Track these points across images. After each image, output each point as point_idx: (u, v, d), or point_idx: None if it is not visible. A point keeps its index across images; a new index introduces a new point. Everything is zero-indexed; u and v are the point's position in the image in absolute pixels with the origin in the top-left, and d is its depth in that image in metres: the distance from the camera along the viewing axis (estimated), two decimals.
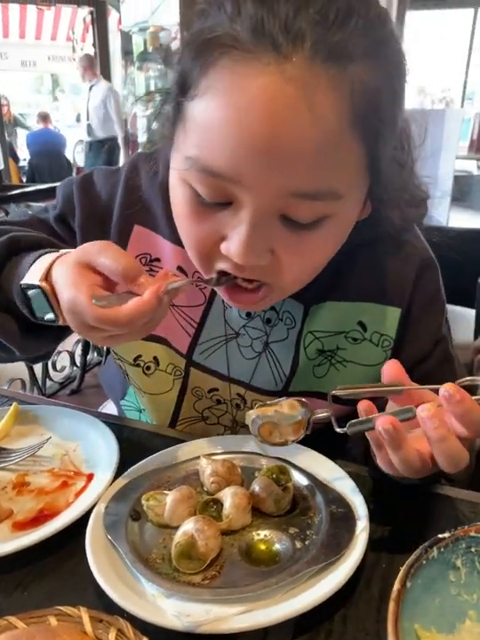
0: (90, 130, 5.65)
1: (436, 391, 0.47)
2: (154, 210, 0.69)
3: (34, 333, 0.62)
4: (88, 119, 5.62)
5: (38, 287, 0.55)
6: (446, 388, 0.45)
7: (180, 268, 0.69)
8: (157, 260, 0.70)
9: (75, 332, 0.56)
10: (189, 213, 0.54)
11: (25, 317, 0.60)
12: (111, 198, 0.71)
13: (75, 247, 0.65)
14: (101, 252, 0.52)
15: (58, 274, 0.55)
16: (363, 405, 0.50)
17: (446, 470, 0.47)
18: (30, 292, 0.57)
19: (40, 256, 0.59)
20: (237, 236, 0.50)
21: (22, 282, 0.57)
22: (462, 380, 0.48)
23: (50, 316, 0.57)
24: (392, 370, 0.50)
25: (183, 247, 0.61)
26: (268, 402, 0.54)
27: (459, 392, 0.45)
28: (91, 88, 5.51)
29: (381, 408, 0.54)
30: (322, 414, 0.53)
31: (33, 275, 0.57)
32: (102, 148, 5.62)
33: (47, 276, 0.56)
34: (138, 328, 0.52)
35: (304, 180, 0.47)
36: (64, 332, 0.64)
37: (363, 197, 0.54)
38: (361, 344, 0.68)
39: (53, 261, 0.56)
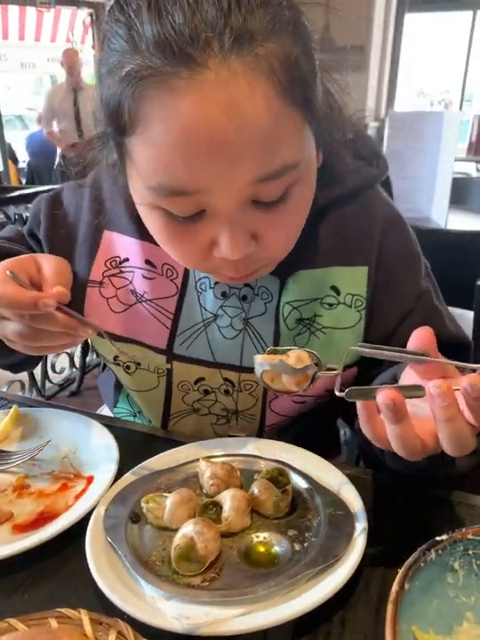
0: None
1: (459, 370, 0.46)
2: (118, 213, 0.71)
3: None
4: (80, 128, 5.03)
5: None
6: (470, 381, 0.42)
7: (148, 262, 0.71)
8: (126, 259, 0.72)
9: None
10: (171, 236, 0.56)
11: None
12: (78, 212, 0.75)
13: None
14: (51, 259, 0.61)
15: (2, 263, 0.60)
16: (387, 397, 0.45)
17: (450, 453, 0.45)
18: None
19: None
20: (223, 237, 0.53)
21: None
22: None
23: None
24: (421, 338, 0.46)
25: (150, 242, 0.67)
26: (279, 348, 0.53)
27: None
28: (75, 93, 5.00)
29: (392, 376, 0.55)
30: (334, 372, 0.50)
31: None
32: None
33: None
34: (21, 329, 0.56)
35: (262, 166, 0.49)
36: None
37: (314, 151, 0.56)
38: (336, 308, 0.69)
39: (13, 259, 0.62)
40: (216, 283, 0.69)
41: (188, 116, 0.45)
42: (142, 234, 0.69)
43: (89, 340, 1.20)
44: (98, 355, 2.79)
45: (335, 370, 0.50)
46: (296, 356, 0.51)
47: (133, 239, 0.71)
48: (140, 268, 0.71)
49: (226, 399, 0.75)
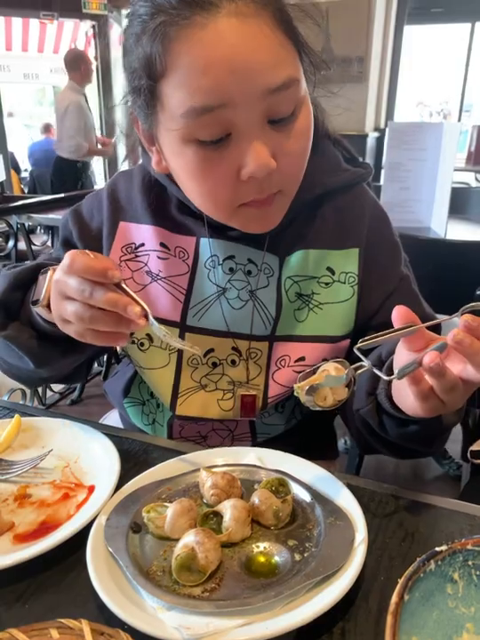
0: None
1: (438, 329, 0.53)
2: (134, 204, 0.80)
3: (44, 343, 0.72)
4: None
5: (46, 272, 0.66)
6: (465, 319, 0.49)
7: (162, 244, 0.79)
8: (142, 244, 0.80)
9: (54, 309, 0.63)
10: (202, 166, 0.62)
11: (39, 330, 0.71)
12: (99, 214, 0.83)
13: None
14: (93, 251, 0.62)
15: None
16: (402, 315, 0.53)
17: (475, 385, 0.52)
18: (39, 277, 0.69)
19: None
20: (250, 154, 0.60)
21: (41, 273, 0.69)
22: (468, 307, 0.51)
23: (38, 296, 0.67)
24: (402, 313, 0.53)
25: (164, 228, 0.78)
26: (308, 372, 0.57)
27: (476, 320, 0.49)
28: (85, 99, 4.89)
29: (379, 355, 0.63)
30: (364, 369, 0.55)
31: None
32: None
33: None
34: (79, 306, 0.59)
35: (272, 78, 0.58)
36: (69, 347, 0.72)
37: (306, 87, 0.65)
38: (332, 286, 0.78)
39: None
40: (224, 259, 0.77)
41: (208, 42, 0.56)
42: (156, 220, 0.79)
43: None
44: (99, 363, 2.80)
45: (365, 366, 0.55)
46: (334, 368, 0.56)
47: (148, 226, 0.79)
48: (154, 251, 0.79)
49: (232, 370, 0.80)
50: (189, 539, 0.52)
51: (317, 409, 0.56)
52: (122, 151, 0.83)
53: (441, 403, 0.53)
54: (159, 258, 0.79)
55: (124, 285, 0.59)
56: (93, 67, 5.03)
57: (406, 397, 0.56)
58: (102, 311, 0.58)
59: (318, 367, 0.57)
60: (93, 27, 6.67)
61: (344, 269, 0.77)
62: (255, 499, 0.58)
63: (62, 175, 4.94)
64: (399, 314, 0.53)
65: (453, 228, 2.12)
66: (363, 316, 0.77)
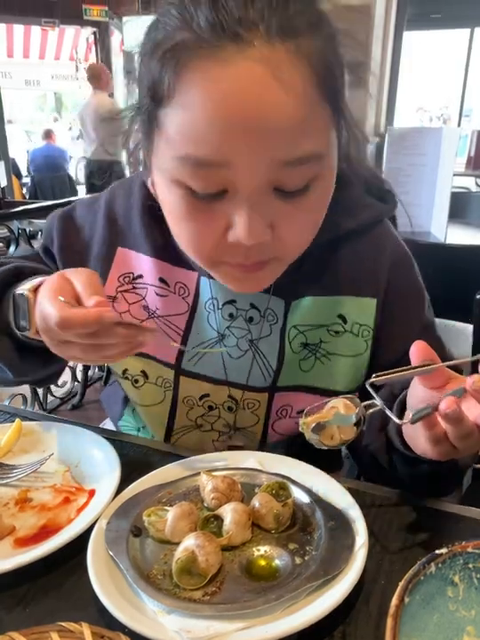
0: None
1: (460, 371, 0.51)
2: (134, 230, 0.73)
3: (25, 354, 0.67)
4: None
5: (25, 295, 0.61)
6: None
7: (161, 280, 0.73)
8: (140, 276, 0.74)
9: (50, 347, 0.59)
10: (187, 213, 0.56)
11: (18, 339, 0.66)
12: (92, 228, 0.76)
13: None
14: (79, 273, 0.58)
15: (42, 287, 0.60)
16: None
17: None
18: (17, 300, 0.63)
19: (35, 277, 0.65)
20: (240, 219, 0.53)
21: (16, 291, 0.63)
22: None
23: (23, 323, 0.62)
24: (421, 349, 0.50)
25: (164, 260, 0.71)
26: (315, 406, 0.55)
27: None
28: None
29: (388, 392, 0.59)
30: (375, 408, 0.53)
31: (25, 286, 0.62)
32: None
33: (36, 290, 0.61)
34: (84, 346, 0.55)
35: (290, 149, 0.50)
36: (51, 357, 0.64)
37: (336, 157, 0.58)
38: (343, 336, 0.71)
39: (45, 279, 0.61)
40: (224, 304, 0.71)
41: (228, 85, 0.48)
42: (155, 251, 0.72)
43: None
44: (100, 368, 2.81)
45: (376, 405, 0.52)
46: (343, 405, 0.53)
47: (147, 257, 0.73)
48: (153, 286, 0.73)
49: (229, 416, 0.76)
50: (190, 542, 0.52)
51: (323, 448, 0.54)
52: None
53: (454, 448, 0.50)
54: (157, 294, 0.73)
55: (118, 318, 0.56)
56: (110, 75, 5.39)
57: (418, 438, 0.54)
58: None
59: (327, 402, 0.55)
60: (94, 33, 6.71)
61: (358, 320, 0.70)
62: (256, 502, 0.58)
63: (102, 174, 5.20)
64: (417, 350, 0.50)
65: (454, 232, 2.12)
66: (377, 370, 0.62)
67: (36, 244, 3.01)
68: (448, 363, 0.51)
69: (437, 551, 0.45)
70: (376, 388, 0.52)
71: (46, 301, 0.55)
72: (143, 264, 0.73)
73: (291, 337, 0.71)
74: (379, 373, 0.52)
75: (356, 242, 0.70)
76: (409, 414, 0.50)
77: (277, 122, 0.48)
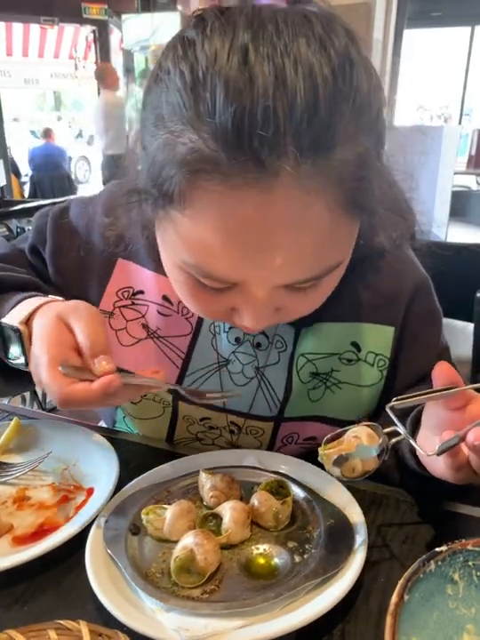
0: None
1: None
2: (134, 241, 0.65)
3: (7, 376, 0.62)
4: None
5: (17, 330, 0.55)
6: None
7: (165, 298, 0.68)
8: (141, 292, 0.69)
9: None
10: (194, 298, 0.53)
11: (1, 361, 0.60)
12: (89, 233, 0.69)
13: (49, 276, 0.69)
14: (80, 319, 0.53)
15: (37, 323, 0.55)
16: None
17: None
18: (8, 333, 0.57)
19: (25, 298, 0.59)
20: (247, 312, 0.51)
21: (3, 320, 0.57)
22: None
23: (20, 360, 0.57)
24: (444, 372, 0.48)
25: (167, 276, 0.61)
26: (335, 434, 0.52)
27: None
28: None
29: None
30: (399, 437, 0.50)
31: (14, 315, 0.57)
32: None
33: (28, 321, 0.56)
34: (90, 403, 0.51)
35: (306, 272, 0.48)
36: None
37: (354, 241, 0.53)
38: (356, 365, 0.68)
39: (38, 307, 0.57)
40: (231, 327, 0.68)
41: (245, 217, 0.43)
42: (159, 267, 0.62)
43: None
44: None
45: (399, 434, 0.50)
46: (367, 435, 0.50)
47: (150, 271, 0.68)
48: (155, 303, 0.69)
49: (230, 436, 0.74)
50: (188, 540, 0.51)
51: (344, 480, 0.52)
52: None
53: (475, 475, 0.49)
54: (160, 313, 0.68)
55: (126, 377, 0.52)
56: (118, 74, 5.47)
57: (437, 464, 0.52)
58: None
59: (347, 429, 0.52)
60: (93, 32, 6.71)
61: (373, 349, 0.67)
62: (255, 500, 0.58)
63: (112, 168, 5.34)
64: (441, 372, 0.48)
65: (454, 230, 2.12)
66: (390, 396, 0.56)
67: None
68: (472, 386, 0.49)
69: (437, 549, 0.45)
70: (395, 411, 0.50)
71: (43, 366, 0.50)
72: (145, 279, 0.68)
73: (299, 366, 0.68)
74: (399, 397, 0.50)
75: (372, 267, 0.66)
76: (436, 447, 0.47)
77: (297, 252, 0.45)
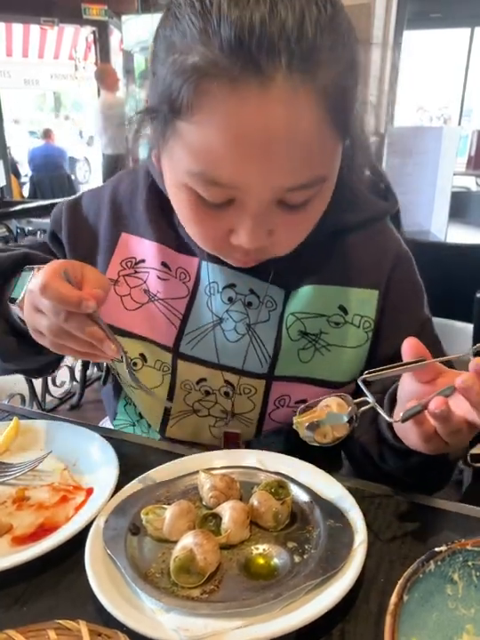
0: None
1: (451, 365, 0.52)
2: (137, 216, 0.76)
3: (18, 340, 0.70)
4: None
5: (32, 269, 0.65)
6: (477, 362, 0.47)
7: (163, 264, 0.75)
8: (142, 260, 0.76)
9: (27, 318, 0.62)
10: (194, 215, 0.60)
11: (13, 324, 0.69)
12: (97, 215, 0.79)
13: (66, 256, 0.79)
14: (95, 270, 0.61)
15: (53, 261, 0.61)
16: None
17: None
18: (22, 274, 0.67)
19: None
20: (244, 228, 0.57)
21: (25, 269, 0.67)
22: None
23: (16, 293, 0.65)
24: (413, 346, 0.52)
25: (167, 246, 0.74)
26: (309, 405, 0.56)
27: None
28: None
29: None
30: (367, 405, 0.54)
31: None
32: None
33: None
34: (51, 323, 0.57)
35: (298, 176, 0.54)
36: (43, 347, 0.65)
37: (338, 166, 0.60)
38: (343, 327, 0.72)
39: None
40: (224, 287, 0.73)
41: (248, 120, 0.50)
42: (159, 236, 0.75)
43: None
44: (100, 368, 2.81)
45: (368, 403, 0.53)
46: (336, 404, 0.55)
47: (151, 242, 0.75)
48: (155, 269, 0.75)
49: (225, 401, 0.76)
50: (188, 540, 0.51)
51: (315, 445, 0.55)
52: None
53: (445, 443, 0.52)
54: (159, 278, 0.75)
55: (98, 317, 0.57)
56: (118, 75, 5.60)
57: (409, 434, 0.55)
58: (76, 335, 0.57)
59: (320, 400, 0.56)
60: (93, 33, 6.71)
61: (359, 312, 0.72)
62: (254, 500, 0.58)
63: (118, 169, 5.33)
64: (409, 346, 0.51)
65: (454, 231, 2.13)
66: (375, 363, 0.62)
67: None
68: (439, 359, 0.52)
69: (436, 549, 0.45)
70: (368, 383, 0.53)
71: (47, 267, 0.57)
72: (146, 249, 0.76)
73: (288, 324, 0.72)
74: (371, 370, 0.53)
75: (358, 235, 0.72)
76: (399, 413, 0.51)
77: (290, 154, 0.52)
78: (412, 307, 0.74)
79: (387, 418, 0.52)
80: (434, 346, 0.70)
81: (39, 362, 0.78)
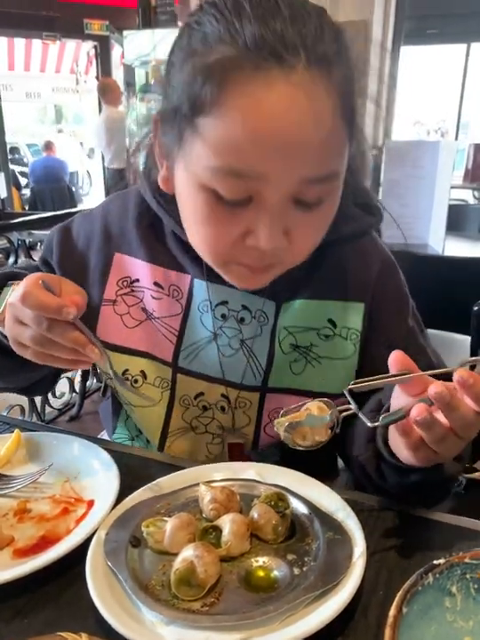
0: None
1: (442, 377, 0.52)
2: (129, 237, 0.77)
3: (2, 355, 0.70)
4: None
5: (10, 285, 0.66)
6: (460, 374, 0.48)
7: (156, 284, 0.77)
8: (137, 280, 0.78)
9: (8, 331, 0.63)
10: (210, 216, 0.60)
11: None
12: (89, 238, 0.80)
13: None
14: (74, 285, 0.65)
15: (32, 274, 0.64)
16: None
17: (465, 436, 0.51)
18: (3, 290, 0.67)
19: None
20: (263, 226, 0.58)
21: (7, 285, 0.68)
22: (468, 361, 0.52)
23: None
24: (398, 359, 0.53)
25: (158, 265, 0.75)
26: (293, 407, 0.57)
27: (471, 376, 0.48)
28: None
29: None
30: (349, 412, 0.55)
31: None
32: None
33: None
34: (34, 334, 0.60)
35: (316, 168, 0.56)
36: (29, 362, 0.66)
37: (343, 171, 0.62)
38: (333, 340, 0.74)
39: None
40: (217, 305, 0.74)
41: (270, 106, 0.52)
42: (150, 256, 0.76)
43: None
44: (99, 380, 2.80)
45: (350, 409, 0.55)
46: (317, 407, 0.56)
47: (142, 262, 0.77)
48: (148, 289, 0.77)
49: (222, 416, 0.77)
50: (188, 553, 0.52)
51: (297, 448, 0.56)
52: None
53: (434, 452, 0.52)
54: (153, 297, 0.76)
55: (79, 323, 0.60)
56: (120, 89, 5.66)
57: (399, 446, 0.56)
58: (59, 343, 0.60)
59: (303, 404, 0.57)
60: (95, 47, 6.78)
61: (346, 324, 0.74)
62: (254, 513, 0.58)
63: (116, 181, 5.53)
64: (395, 359, 0.53)
65: (451, 244, 2.14)
66: (363, 374, 0.62)
67: (36, 255, 3.02)
68: (424, 372, 0.53)
69: (435, 562, 0.45)
70: (355, 394, 0.54)
71: (26, 279, 0.60)
72: (139, 269, 0.77)
73: (280, 337, 0.74)
74: (357, 380, 0.54)
75: (343, 249, 0.74)
76: (379, 417, 0.52)
77: (310, 143, 0.53)
78: (397, 318, 0.75)
79: (367, 422, 0.53)
80: (420, 355, 0.73)
81: (29, 379, 0.79)
